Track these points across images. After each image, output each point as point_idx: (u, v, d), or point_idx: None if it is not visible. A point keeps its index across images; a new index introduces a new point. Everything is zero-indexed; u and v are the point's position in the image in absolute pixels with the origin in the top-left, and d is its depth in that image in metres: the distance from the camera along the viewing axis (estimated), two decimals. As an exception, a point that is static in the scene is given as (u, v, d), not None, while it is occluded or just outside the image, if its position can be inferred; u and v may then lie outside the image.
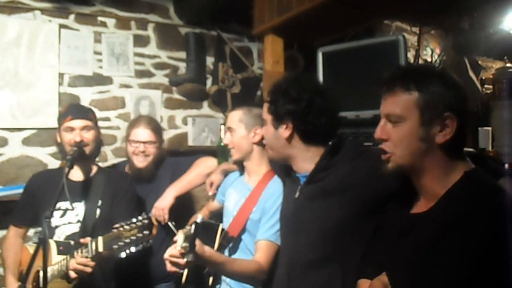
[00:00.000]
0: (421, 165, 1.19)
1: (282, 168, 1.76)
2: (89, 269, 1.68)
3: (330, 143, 1.57)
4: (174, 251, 1.45)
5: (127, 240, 1.57)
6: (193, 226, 1.39)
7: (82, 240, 1.76)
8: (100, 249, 1.64)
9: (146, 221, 1.59)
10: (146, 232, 1.57)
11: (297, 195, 1.62)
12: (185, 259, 1.41)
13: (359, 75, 2.55)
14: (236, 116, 1.94)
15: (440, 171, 1.18)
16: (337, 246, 1.50)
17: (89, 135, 2.04)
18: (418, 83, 1.17)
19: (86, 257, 1.68)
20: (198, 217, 1.44)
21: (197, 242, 1.43)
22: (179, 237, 1.45)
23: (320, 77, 2.69)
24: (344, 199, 1.49)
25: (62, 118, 2.08)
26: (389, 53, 2.46)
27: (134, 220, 1.60)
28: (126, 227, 1.59)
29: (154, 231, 1.62)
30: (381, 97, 1.25)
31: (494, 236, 1.01)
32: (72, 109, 2.13)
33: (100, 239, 1.65)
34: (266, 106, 1.65)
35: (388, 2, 2.49)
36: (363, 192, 1.47)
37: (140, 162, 2.36)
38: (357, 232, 1.46)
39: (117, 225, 1.65)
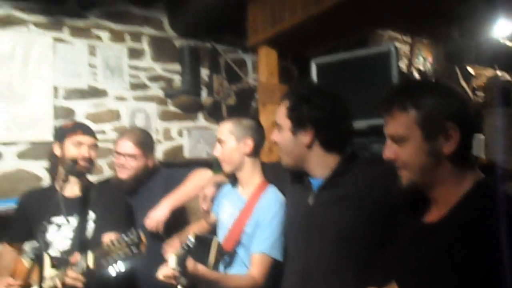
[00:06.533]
0: (433, 178, 1.20)
1: (290, 172, 1.77)
2: (80, 284, 1.68)
3: (348, 150, 1.63)
4: (167, 272, 1.46)
5: (115, 256, 1.58)
6: (184, 248, 1.39)
7: (72, 259, 1.75)
8: (91, 265, 1.63)
9: (134, 238, 1.59)
10: (133, 248, 1.57)
11: (310, 200, 1.62)
12: (178, 282, 1.42)
13: (353, 85, 2.58)
14: (226, 128, 1.94)
15: (450, 181, 1.18)
16: (352, 254, 1.51)
17: (93, 154, 2.11)
18: (413, 100, 1.18)
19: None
20: (189, 238, 1.44)
21: (190, 260, 1.44)
22: (171, 258, 1.46)
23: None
24: (360, 206, 1.51)
25: (69, 131, 2.11)
26: (382, 63, 2.50)
27: (123, 236, 1.60)
28: (115, 242, 1.59)
29: (143, 248, 1.61)
30: (382, 117, 1.27)
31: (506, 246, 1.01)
32: (81, 125, 2.23)
33: (90, 254, 1.66)
34: (283, 112, 1.66)
35: (379, 13, 2.52)
36: (377, 200, 1.49)
37: (121, 173, 2.37)
38: (372, 240, 1.47)
39: (107, 240, 1.66)
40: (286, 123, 1.64)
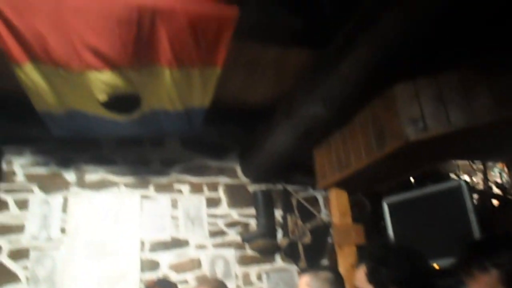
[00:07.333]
0: None
1: None
2: None
3: None
4: None
5: None
6: None
7: None
8: None
9: None
10: None
11: None
12: None
13: (427, 222, 2.56)
14: (304, 281, 1.99)
15: None
16: None
17: None
18: (492, 258, 1.21)
19: None
20: None
21: None
22: None
23: (389, 227, 2.73)
24: None
25: None
26: (454, 198, 2.50)
27: None
28: None
29: None
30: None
31: None
32: (158, 282, 2.32)
33: None
34: (363, 277, 1.69)
35: (442, 150, 2.58)
36: None
37: None
38: None
39: None
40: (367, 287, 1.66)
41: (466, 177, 4.60)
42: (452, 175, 4.44)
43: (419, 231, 2.53)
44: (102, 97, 2.47)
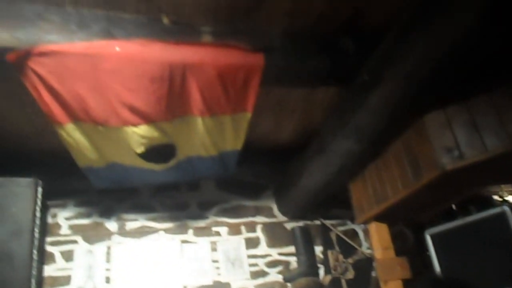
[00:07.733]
0: None
1: None
2: None
3: None
4: None
5: None
6: None
7: None
8: None
9: None
10: None
11: None
12: None
13: (474, 252, 2.49)
14: None
15: None
16: None
17: None
18: None
19: None
20: None
21: None
22: None
23: (434, 259, 2.66)
24: None
25: None
26: (499, 225, 2.43)
27: None
28: None
29: None
30: None
31: None
32: None
33: None
34: None
35: (482, 175, 2.53)
36: None
37: None
38: None
39: None
40: None
41: (510, 198, 4.47)
42: (496, 197, 4.32)
43: (466, 262, 2.45)
44: (139, 149, 2.57)
